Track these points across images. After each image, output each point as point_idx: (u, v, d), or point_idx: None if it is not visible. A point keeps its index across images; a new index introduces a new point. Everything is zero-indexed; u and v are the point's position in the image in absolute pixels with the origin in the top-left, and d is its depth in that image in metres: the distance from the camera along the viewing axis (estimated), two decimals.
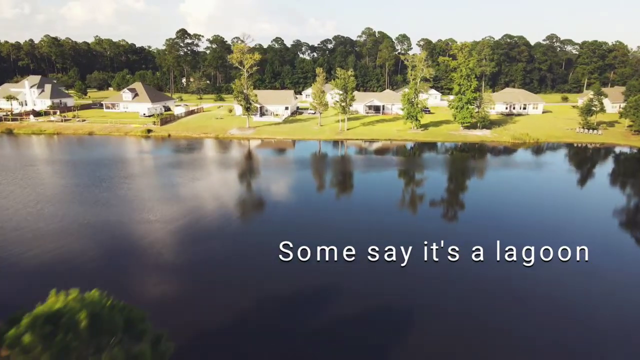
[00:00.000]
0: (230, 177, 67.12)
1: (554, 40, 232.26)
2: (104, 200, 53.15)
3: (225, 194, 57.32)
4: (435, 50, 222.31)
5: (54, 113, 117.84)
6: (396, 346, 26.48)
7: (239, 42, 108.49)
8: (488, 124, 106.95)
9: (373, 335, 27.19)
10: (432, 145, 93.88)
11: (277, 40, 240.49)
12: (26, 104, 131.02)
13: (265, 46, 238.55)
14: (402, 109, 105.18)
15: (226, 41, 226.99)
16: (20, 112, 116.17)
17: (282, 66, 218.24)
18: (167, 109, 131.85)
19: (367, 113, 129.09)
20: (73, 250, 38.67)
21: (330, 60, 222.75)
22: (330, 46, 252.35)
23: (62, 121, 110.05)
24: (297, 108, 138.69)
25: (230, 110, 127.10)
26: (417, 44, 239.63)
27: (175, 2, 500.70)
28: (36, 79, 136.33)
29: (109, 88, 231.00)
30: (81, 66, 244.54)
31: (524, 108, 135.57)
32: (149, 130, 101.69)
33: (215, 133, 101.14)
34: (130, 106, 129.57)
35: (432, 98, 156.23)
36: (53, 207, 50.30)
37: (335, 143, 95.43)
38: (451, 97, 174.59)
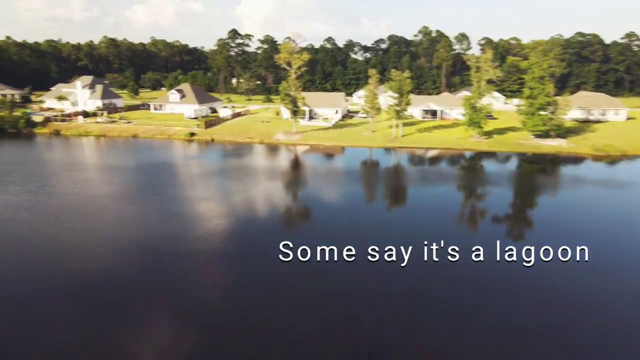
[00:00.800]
0: (272, 190, 60.51)
1: (633, 39, 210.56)
2: (129, 216, 47.97)
3: (265, 210, 50.72)
4: (497, 50, 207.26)
5: (102, 114, 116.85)
6: None
7: (290, 42, 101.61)
8: (563, 132, 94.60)
9: None
10: (497, 156, 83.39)
11: (329, 40, 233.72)
12: (78, 104, 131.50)
13: (317, 46, 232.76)
14: (464, 115, 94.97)
15: (277, 41, 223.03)
16: (69, 113, 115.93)
17: (334, 67, 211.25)
18: (214, 110, 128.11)
19: (424, 118, 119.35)
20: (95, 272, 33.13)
21: (384, 60, 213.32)
22: (383, 46, 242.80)
23: (108, 123, 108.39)
24: (348, 111, 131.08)
25: (277, 113, 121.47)
26: (478, 43, 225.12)
27: (232, 4, 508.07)
28: (88, 79, 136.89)
29: (162, 88, 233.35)
30: (137, 67, 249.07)
31: (604, 114, 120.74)
32: (192, 134, 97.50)
33: (260, 138, 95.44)
34: (177, 107, 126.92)
35: (495, 101, 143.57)
36: (74, 220, 45.58)
37: (388, 151, 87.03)
38: (515, 101, 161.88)
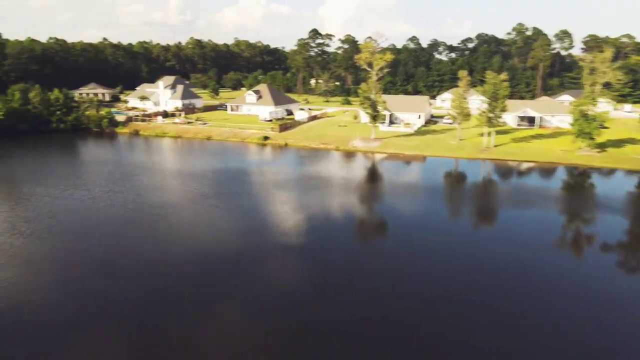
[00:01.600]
0: (346, 204, 53.73)
1: None
2: (176, 233, 43.55)
3: (337, 229, 44.06)
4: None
5: (179, 115, 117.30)
6: None
7: (371, 41, 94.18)
8: None
9: None
10: (613, 174, 70.09)
11: (413, 39, 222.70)
12: (159, 104, 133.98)
13: (399, 47, 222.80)
14: (572, 124, 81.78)
15: (357, 41, 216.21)
16: (150, 113, 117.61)
17: (416, 68, 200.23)
18: (289, 113, 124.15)
19: (519, 125, 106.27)
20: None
21: (471, 61, 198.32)
22: (471, 45, 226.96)
23: (185, 124, 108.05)
24: (431, 116, 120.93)
25: (355, 117, 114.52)
26: (582, 41, 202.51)
27: (316, 5, 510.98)
28: (170, 79, 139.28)
29: (242, 88, 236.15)
30: (220, 67, 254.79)
31: None
32: (266, 138, 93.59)
33: (335, 144, 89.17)
34: (253, 109, 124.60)
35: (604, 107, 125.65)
36: (121, 237, 41.95)
37: (477, 163, 76.78)
38: (627, 107, 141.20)
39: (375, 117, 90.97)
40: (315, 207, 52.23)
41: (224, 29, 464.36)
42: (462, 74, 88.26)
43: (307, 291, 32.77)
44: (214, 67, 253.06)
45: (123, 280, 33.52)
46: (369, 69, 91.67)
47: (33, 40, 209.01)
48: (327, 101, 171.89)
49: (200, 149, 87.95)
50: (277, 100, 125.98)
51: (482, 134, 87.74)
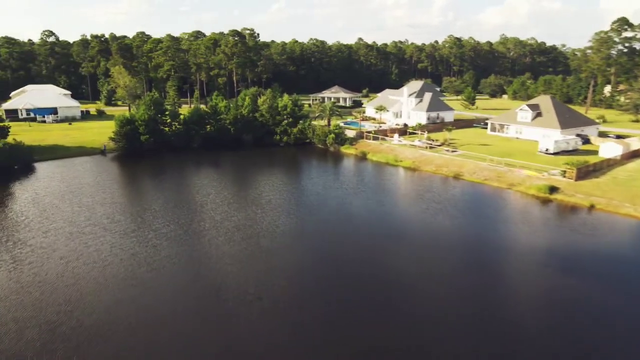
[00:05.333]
0: None
1: None
2: None
3: None
4: None
5: (421, 134, 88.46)
6: None
7: None
8: None
9: None
10: None
11: None
12: (400, 116, 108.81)
13: None
14: None
15: None
16: (384, 129, 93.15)
17: None
18: (585, 141, 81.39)
19: None
20: None
21: None
22: None
23: (426, 148, 79.06)
24: None
25: None
26: None
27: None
28: (417, 85, 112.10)
29: (503, 96, 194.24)
30: (477, 69, 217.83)
31: None
32: (553, 189, 56.74)
33: None
34: (527, 132, 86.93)
35: None
36: None
37: None
38: None
39: None
40: None
41: (484, 27, 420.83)
42: None
43: None
44: (471, 69, 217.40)
45: None
46: None
47: (296, 42, 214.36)
48: (638, 120, 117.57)
49: (442, 198, 57.47)
50: (566, 121, 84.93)
51: None
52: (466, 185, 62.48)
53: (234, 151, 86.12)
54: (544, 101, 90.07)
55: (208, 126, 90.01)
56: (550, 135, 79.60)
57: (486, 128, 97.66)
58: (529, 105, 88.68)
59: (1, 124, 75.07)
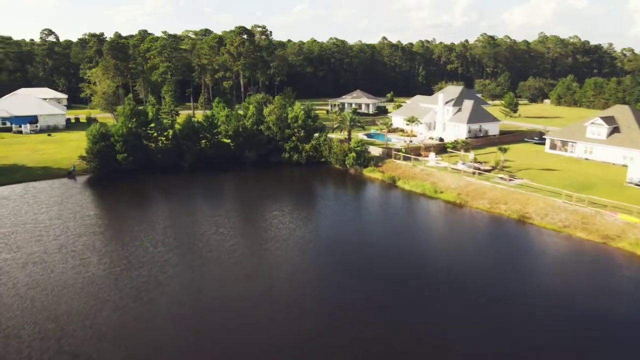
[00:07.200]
0: None
1: None
2: None
3: None
4: None
5: (462, 155, 70.28)
6: None
7: None
8: None
9: None
10: None
11: None
12: (434, 128, 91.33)
13: None
14: None
15: None
16: (417, 146, 76.04)
17: None
18: None
19: None
20: None
21: None
22: None
23: (473, 173, 61.49)
24: None
25: None
26: None
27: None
28: (455, 91, 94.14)
29: (545, 101, 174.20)
30: (513, 70, 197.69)
31: None
32: None
33: None
34: (599, 151, 68.70)
35: None
36: None
37: None
38: None
39: None
40: None
41: (508, 27, 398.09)
42: None
43: None
44: (506, 70, 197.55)
45: None
46: None
47: (314, 42, 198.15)
48: None
49: (510, 253, 40.32)
50: None
51: None
52: (539, 235, 45.13)
53: (233, 172, 70.62)
54: (622, 112, 71.55)
55: (203, 141, 74.55)
56: (635, 158, 61.35)
57: (542, 144, 79.64)
58: (603, 118, 70.12)
59: None
